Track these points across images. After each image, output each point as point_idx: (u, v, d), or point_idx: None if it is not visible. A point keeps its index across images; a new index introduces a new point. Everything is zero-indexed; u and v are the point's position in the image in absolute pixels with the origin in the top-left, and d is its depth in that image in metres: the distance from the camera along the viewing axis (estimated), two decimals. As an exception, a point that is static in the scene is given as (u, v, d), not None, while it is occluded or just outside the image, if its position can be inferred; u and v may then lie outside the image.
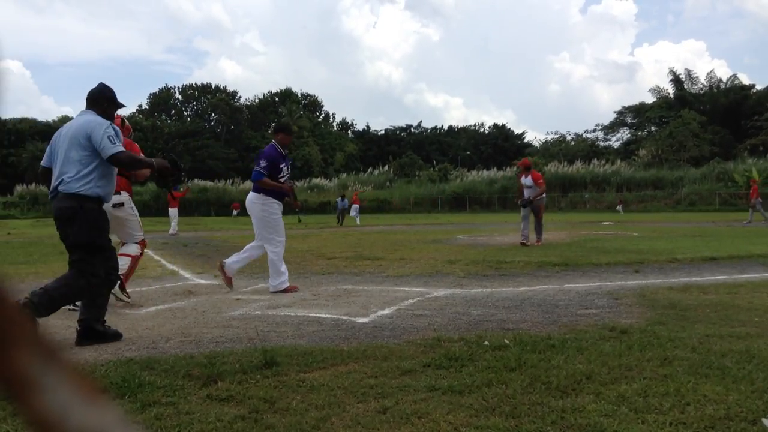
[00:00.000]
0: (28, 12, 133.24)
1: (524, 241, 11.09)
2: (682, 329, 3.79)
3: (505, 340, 3.54)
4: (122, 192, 5.19)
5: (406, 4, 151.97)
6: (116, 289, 5.07)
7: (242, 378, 2.91)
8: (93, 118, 3.91)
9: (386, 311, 4.80)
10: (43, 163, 4.10)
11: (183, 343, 3.77)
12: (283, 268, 5.99)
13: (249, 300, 5.52)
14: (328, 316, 4.65)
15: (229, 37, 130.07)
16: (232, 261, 6.18)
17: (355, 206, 28.39)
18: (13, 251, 11.54)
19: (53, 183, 3.88)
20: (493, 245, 11.69)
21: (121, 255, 5.13)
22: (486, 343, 3.48)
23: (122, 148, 3.87)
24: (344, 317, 4.55)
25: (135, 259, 5.44)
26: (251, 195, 6.17)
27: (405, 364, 3.11)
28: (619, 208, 37.42)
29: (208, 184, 48.12)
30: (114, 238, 4.60)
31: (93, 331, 3.82)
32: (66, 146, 3.87)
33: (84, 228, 3.80)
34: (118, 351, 3.59)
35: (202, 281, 6.98)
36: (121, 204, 5.21)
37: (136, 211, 5.44)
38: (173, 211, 18.02)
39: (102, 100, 4.07)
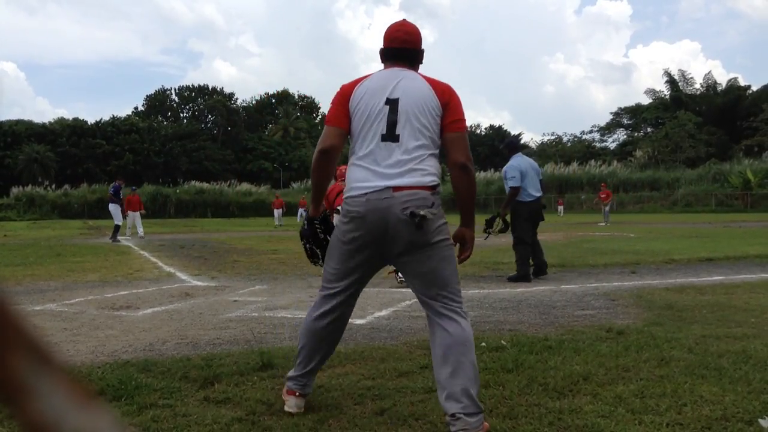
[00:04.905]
0: (20, 13, 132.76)
1: None
2: (678, 330, 3.80)
3: (502, 342, 3.55)
4: None
5: (401, 5, 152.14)
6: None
7: (239, 380, 2.91)
8: (527, 159, 6.86)
9: (383, 312, 4.80)
10: (516, 184, 6.58)
11: (180, 346, 3.76)
12: None
13: (246, 302, 5.51)
14: (325, 317, 4.64)
15: (224, 39, 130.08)
16: None
17: None
18: (10, 253, 11.50)
19: (538, 192, 6.68)
20: (489, 246, 11.69)
21: None
22: (483, 344, 3.48)
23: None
24: (341, 319, 4.54)
25: None
26: None
27: (402, 366, 3.12)
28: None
29: (205, 185, 47.97)
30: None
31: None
32: (534, 174, 6.69)
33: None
34: (114, 353, 3.58)
35: (199, 283, 6.97)
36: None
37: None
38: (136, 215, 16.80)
39: (520, 146, 7.17)
